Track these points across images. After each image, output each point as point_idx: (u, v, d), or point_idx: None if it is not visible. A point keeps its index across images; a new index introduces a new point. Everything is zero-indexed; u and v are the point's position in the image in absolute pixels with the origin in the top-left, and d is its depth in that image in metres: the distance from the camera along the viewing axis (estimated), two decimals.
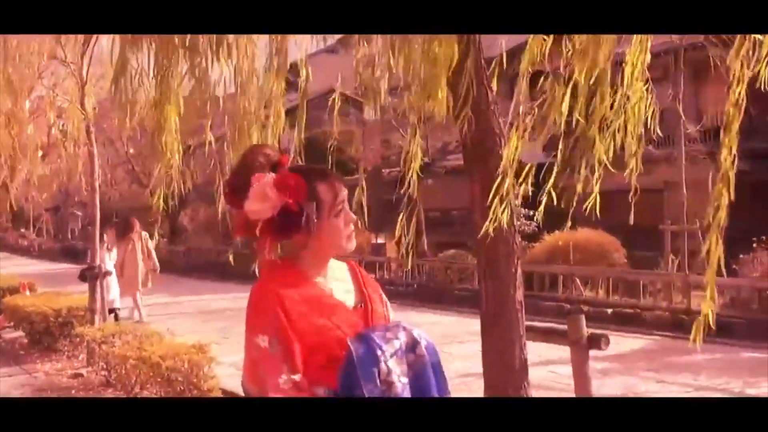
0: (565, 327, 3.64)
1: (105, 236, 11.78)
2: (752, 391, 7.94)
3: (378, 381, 2.03)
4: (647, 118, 3.47)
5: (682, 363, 9.75)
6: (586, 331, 3.56)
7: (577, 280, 14.70)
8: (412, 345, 2.11)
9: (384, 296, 2.36)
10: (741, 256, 12.78)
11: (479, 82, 3.41)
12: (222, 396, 6.77)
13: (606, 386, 8.18)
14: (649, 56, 3.36)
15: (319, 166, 2.25)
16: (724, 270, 3.21)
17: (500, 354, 3.56)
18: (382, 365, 2.04)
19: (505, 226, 3.52)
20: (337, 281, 2.25)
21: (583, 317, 3.58)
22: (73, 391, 8.12)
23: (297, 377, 2.05)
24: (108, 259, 11.58)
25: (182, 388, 6.87)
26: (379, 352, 2.06)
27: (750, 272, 12.82)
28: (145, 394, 7.39)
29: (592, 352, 9.46)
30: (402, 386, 2.06)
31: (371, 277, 2.39)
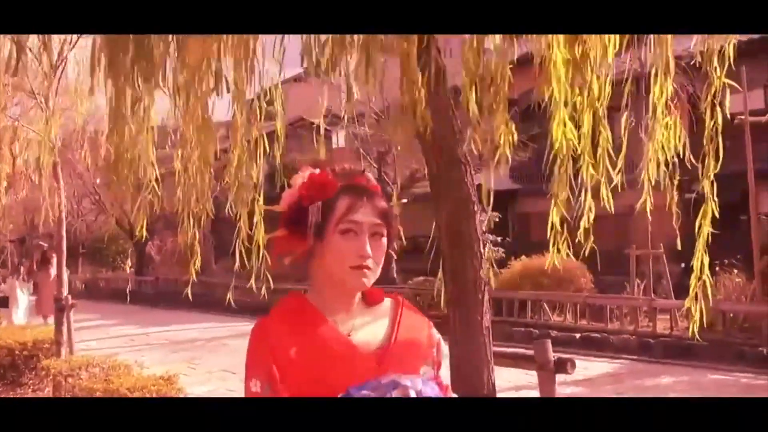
0: (532, 352, 3.70)
1: (21, 268, 15.23)
2: None
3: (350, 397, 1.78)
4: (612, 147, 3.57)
5: (648, 386, 9.88)
6: (553, 355, 3.62)
7: (545, 305, 14.82)
8: None
9: (435, 335, 2.05)
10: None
11: (444, 112, 3.48)
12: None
13: None
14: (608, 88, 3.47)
15: (373, 185, 2.00)
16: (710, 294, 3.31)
17: (468, 379, 3.60)
18: None
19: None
20: (367, 321, 1.99)
21: (549, 342, 3.65)
22: None
23: None
24: (20, 288, 14.52)
25: None
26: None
27: (713, 295, 13.01)
28: None
29: (560, 377, 9.58)
30: None
31: (418, 315, 2.08)
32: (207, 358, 12.72)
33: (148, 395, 6.80)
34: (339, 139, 22.50)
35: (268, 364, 1.88)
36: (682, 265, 16.55)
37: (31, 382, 9.94)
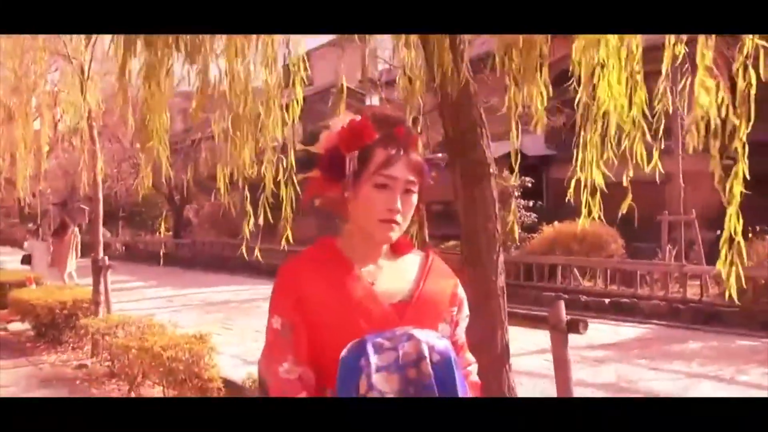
0: (545, 313, 3.79)
1: (39, 230, 18.38)
2: (743, 378, 8.08)
3: (355, 395, 1.77)
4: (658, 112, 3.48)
5: (675, 351, 9.90)
6: (566, 316, 3.71)
7: (575, 271, 14.84)
8: (416, 359, 1.80)
9: (459, 295, 2.07)
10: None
11: (460, 76, 3.53)
12: (222, 385, 6.93)
13: (600, 374, 8.34)
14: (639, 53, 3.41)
15: (412, 138, 1.99)
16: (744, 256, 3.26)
17: (483, 338, 3.70)
18: (363, 378, 1.77)
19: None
20: (393, 272, 2.00)
21: (562, 303, 3.73)
22: (77, 382, 8.30)
23: (299, 369, 1.88)
24: (38, 247, 17.20)
25: (183, 377, 7.02)
26: (363, 362, 1.78)
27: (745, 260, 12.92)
28: (147, 383, 7.57)
29: (588, 342, 9.65)
30: None
31: (446, 272, 2.08)
32: (240, 320, 12.97)
33: (180, 353, 7.03)
34: (373, 103, 22.53)
35: (292, 303, 1.91)
36: (718, 232, 16.29)
37: (71, 340, 10.29)
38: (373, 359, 1.78)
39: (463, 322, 2.09)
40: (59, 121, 14.37)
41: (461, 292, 2.09)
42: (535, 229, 16.77)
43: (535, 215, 17.32)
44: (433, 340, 1.84)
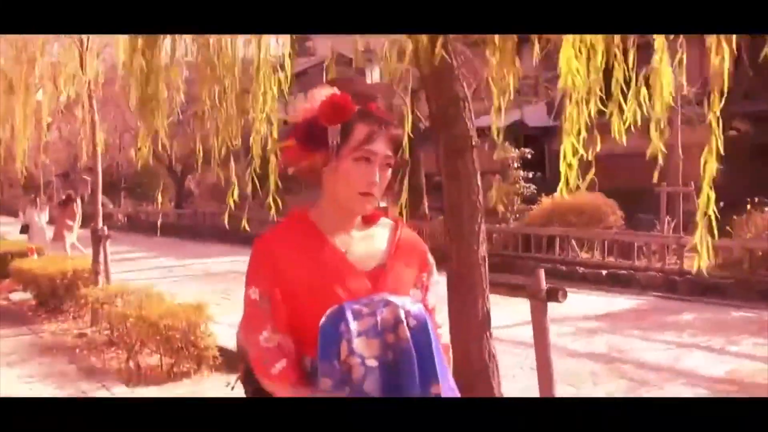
0: (525, 281, 3.86)
1: (38, 200, 18.22)
2: (733, 348, 8.18)
3: (336, 361, 1.83)
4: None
5: (669, 322, 9.99)
6: (545, 285, 3.78)
7: (573, 242, 14.91)
8: (394, 324, 1.88)
9: (429, 261, 2.17)
10: (734, 217, 12.96)
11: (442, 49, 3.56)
12: (217, 353, 7.04)
13: (592, 344, 8.45)
14: None
15: (389, 114, 2.06)
16: (715, 229, 3.29)
17: (465, 306, 3.79)
18: (344, 344, 1.83)
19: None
20: (365, 241, 2.06)
21: (542, 271, 3.80)
22: (77, 350, 8.41)
23: (279, 337, 1.94)
24: (37, 217, 17.17)
25: (180, 345, 7.13)
26: (343, 328, 1.85)
27: (743, 233, 13.00)
28: (145, 351, 7.68)
29: (583, 313, 9.73)
30: (366, 370, 1.84)
31: (415, 239, 2.17)
32: (240, 290, 13.02)
33: (177, 322, 7.13)
34: (373, 74, 22.47)
35: (268, 274, 1.98)
36: (721, 204, 16.33)
37: (72, 309, 10.40)
38: (353, 325, 1.85)
39: (433, 287, 2.18)
40: (60, 93, 14.40)
41: (431, 258, 2.19)
42: (535, 200, 16.82)
43: (534, 186, 17.35)
44: (408, 305, 1.93)
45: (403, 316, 1.89)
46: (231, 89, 4.52)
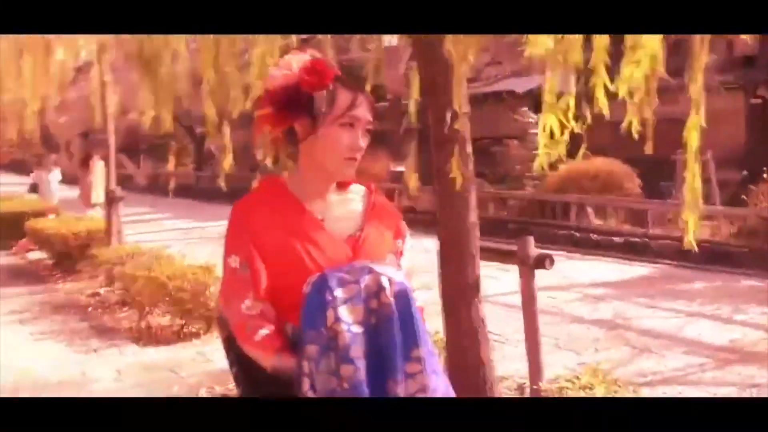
0: (515, 247, 3.89)
1: (47, 160, 17.69)
2: (740, 317, 8.15)
3: (323, 328, 1.86)
4: None
5: (679, 290, 9.95)
6: (534, 251, 3.80)
7: (588, 209, 14.84)
8: (376, 291, 1.91)
9: (403, 229, 2.21)
10: (751, 186, 12.82)
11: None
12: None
13: (598, 311, 8.46)
14: None
15: (361, 79, 2.16)
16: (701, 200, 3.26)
17: (455, 272, 3.83)
18: (330, 311, 1.86)
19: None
20: (341, 208, 2.10)
21: (531, 238, 3.83)
22: (89, 309, 8.56)
23: (261, 305, 1.97)
24: (47, 177, 16.55)
25: (190, 306, 7.24)
26: (328, 296, 1.87)
27: (759, 202, 12.89)
28: (156, 312, 7.80)
29: (592, 280, 9.73)
30: (352, 336, 1.86)
31: (389, 206, 2.23)
32: None
33: (185, 283, 7.23)
34: (392, 43, 22.33)
35: (247, 242, 2.00)
36: (744, 172, 16.23)
37: (86, 269, 10.53)
38: (338, 292, 1.88)
39: (407, 253, 2.22)
40: (80, 51, 14.45)
41: (404, 225, 2.23)
42: (556, 166, 16.71)
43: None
44: (390, 272, 1.96)
45: (386, 283, 1.92)
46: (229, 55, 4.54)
